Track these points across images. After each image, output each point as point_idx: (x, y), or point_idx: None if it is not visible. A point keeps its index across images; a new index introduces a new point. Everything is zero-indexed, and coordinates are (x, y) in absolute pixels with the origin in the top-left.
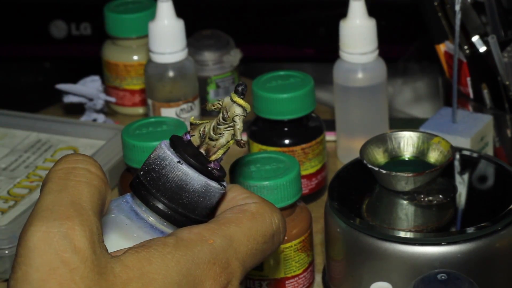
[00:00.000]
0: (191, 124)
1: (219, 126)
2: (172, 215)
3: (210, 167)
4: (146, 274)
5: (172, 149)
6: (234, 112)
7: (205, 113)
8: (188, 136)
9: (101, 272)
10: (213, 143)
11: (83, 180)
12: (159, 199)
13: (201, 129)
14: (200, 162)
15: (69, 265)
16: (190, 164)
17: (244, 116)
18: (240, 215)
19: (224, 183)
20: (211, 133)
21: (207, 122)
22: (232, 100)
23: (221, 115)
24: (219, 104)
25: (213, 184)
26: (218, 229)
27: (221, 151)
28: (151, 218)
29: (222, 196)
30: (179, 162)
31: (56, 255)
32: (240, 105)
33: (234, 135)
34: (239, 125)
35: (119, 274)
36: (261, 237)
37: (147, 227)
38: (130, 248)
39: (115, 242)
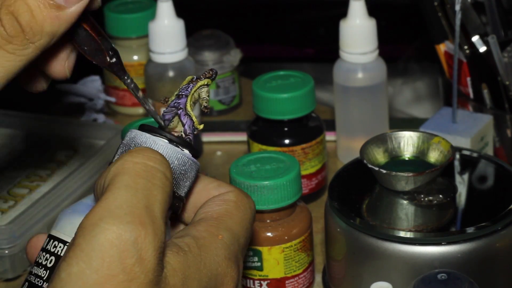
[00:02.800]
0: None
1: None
2: (174, 204)
3: (188, 138)
4: (187, 279)
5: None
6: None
7: (203, 113)
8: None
9: (158, 281)
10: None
11: (159, 184)
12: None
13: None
14: (189, 144)
15: (129, 274)
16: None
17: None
18: (227, 207)
19: None
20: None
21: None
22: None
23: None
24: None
25: (197, 163)
26: (219, 223)
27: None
28: None
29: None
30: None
31: (119, 261)
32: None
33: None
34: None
35: (169, 281)
36: (249, 224)
37: None
38: (168, 249)
39: None
